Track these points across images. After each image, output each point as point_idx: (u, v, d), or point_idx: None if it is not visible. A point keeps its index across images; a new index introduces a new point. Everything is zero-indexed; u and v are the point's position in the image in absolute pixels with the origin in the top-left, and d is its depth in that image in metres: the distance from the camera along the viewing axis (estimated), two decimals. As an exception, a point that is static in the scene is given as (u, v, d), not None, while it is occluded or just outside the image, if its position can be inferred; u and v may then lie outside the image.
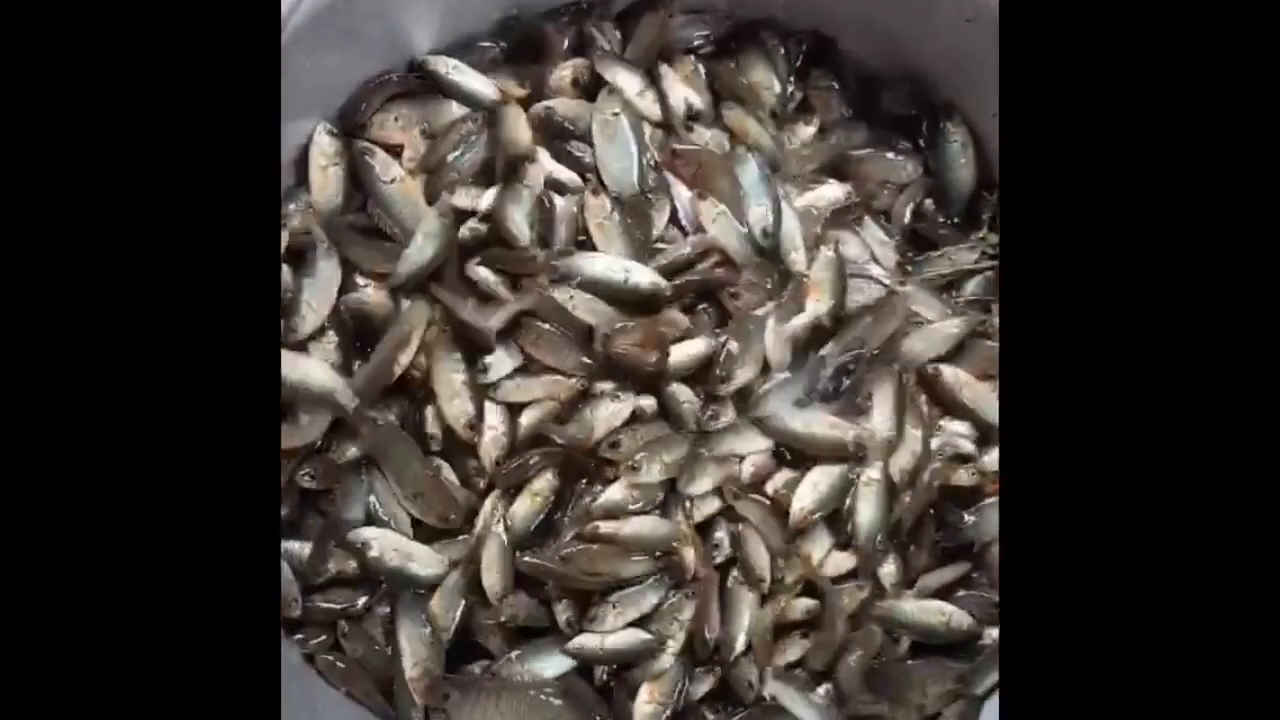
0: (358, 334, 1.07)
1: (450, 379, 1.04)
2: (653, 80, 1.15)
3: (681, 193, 1.12)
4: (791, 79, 1.22)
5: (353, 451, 1.04)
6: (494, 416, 1.05)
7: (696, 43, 1.20)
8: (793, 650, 1.05)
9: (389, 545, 1.03)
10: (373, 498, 1.05)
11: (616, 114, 1.10)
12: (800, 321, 1.07)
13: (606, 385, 1.05)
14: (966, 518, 1.07)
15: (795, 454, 1.06)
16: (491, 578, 1.01)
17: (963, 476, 1.07)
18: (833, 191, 1.15)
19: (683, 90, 1.16)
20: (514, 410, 1.06)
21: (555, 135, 1.14)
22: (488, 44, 1.18)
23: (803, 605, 1.05)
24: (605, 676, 1.03)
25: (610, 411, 1.04)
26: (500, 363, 1.05)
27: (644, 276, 1.05)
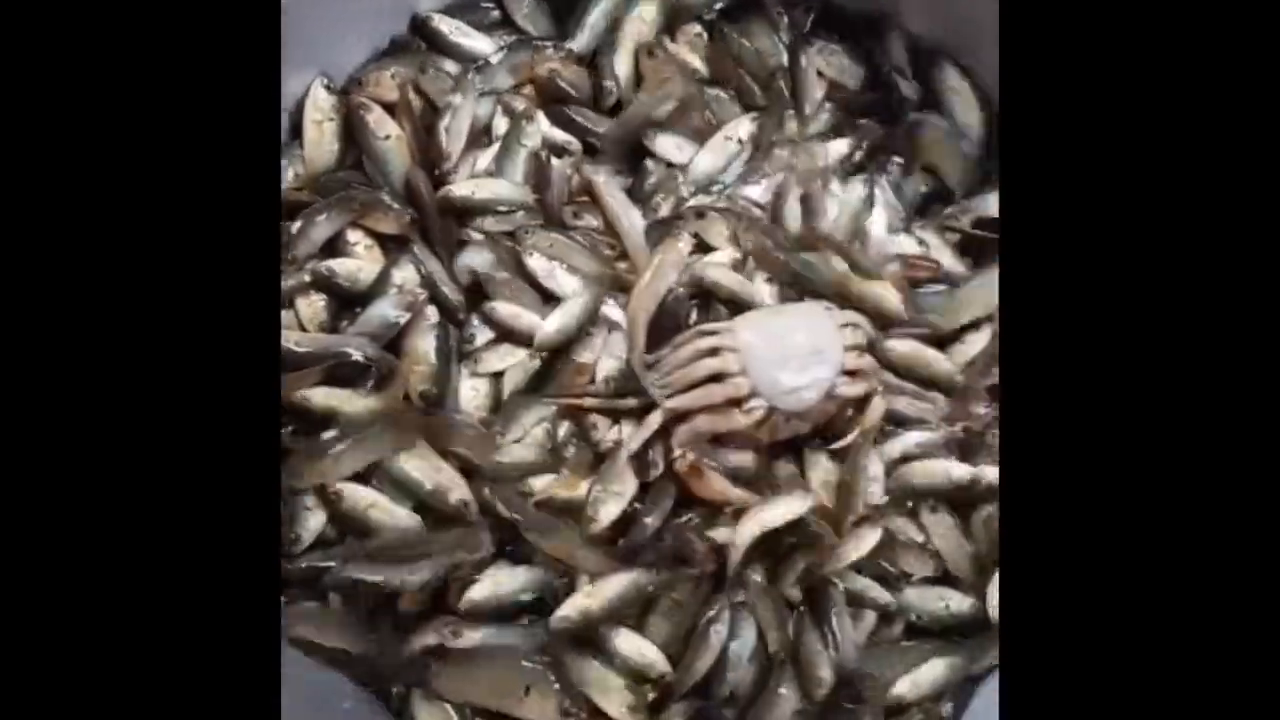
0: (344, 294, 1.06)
1: (420, 344, 1.03)
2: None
3: None
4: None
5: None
6: (476, 379, 1.04)
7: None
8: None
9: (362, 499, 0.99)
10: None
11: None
12: None
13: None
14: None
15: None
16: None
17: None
18: (837, 146, 1.14)
19: None
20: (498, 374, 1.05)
21: (556, 99, 1.14)
22: (488, 4, 1.18)
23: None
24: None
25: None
26: (484, 329, 1.05)
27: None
